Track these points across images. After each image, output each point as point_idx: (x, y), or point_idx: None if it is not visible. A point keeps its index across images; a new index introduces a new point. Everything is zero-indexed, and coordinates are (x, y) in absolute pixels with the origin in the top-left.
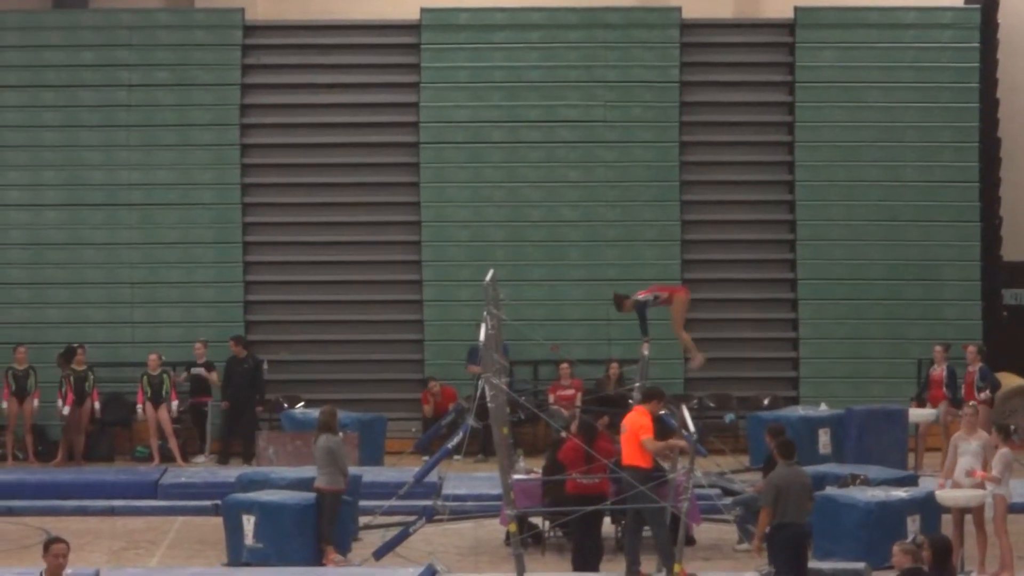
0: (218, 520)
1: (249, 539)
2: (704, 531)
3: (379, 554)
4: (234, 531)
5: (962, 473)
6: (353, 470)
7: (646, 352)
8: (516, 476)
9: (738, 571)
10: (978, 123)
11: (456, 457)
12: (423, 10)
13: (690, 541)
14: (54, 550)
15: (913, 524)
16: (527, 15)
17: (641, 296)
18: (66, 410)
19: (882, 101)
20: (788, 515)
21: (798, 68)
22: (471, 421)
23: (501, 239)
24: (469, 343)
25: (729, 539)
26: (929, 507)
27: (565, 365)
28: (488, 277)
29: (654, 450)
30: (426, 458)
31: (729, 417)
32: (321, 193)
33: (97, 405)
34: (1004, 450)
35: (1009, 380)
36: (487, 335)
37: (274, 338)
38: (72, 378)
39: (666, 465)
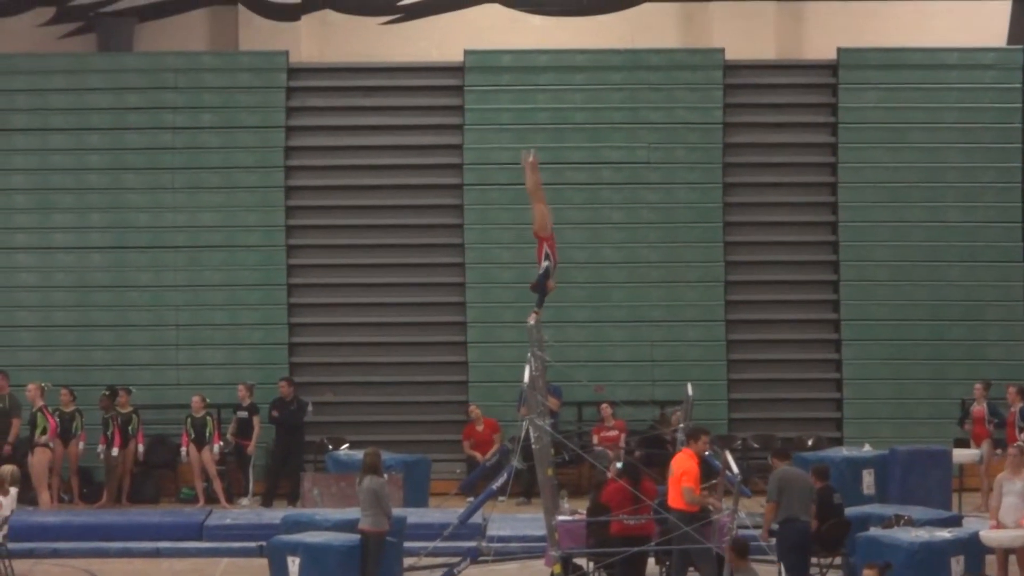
0: (263, 562)
1: None
2: None
3: None
4: (279, 572)
5: (1007, 513)
6: (397, 511)
7: (690, 392)
8: (560, 517)
9: None
10: (1021, 164)
11: (500, 499)
12: (467, 52)
13: None
14: None
15: (957, 565)
16: (571, 57)
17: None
18: (115, 452)
19: (925, 142)
20: (793, 509)
21: (841, 109)
22: (516, 463)
23: None
24: (513, 384)
25: None
26: (973, 548)
27: (606, 406)
28: (532, 319)
29: (691, 501)
30: (471, 499)
31: None
32: (365, 235)
33: (142, 447)
34: None
35: None
36: (531, 377)
37: (319, 380)
38: (118, 420)
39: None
